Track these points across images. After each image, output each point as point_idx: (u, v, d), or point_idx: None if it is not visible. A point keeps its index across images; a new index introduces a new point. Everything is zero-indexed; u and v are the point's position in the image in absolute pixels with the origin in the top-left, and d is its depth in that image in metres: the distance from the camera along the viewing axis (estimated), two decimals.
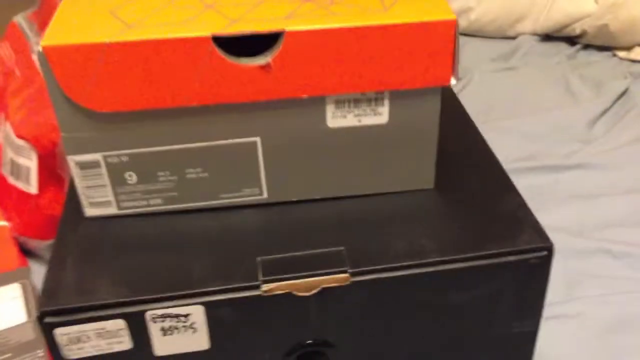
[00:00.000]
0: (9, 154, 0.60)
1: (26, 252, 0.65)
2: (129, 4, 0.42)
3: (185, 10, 0.41)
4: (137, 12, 0.41)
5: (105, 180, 0.44)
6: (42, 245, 0.64)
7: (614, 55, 0.97)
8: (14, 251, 0.62)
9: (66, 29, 0.39)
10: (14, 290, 0.59)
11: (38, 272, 0.63)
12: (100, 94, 0.40)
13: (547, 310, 0.46)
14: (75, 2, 0.42)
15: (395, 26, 0.39)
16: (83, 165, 0.43)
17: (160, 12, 0.41)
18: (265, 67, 0.40)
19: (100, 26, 0.39)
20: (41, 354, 0.53)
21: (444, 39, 0.40)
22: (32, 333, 0.54)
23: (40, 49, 0.38)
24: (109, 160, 0.43)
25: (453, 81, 0.41)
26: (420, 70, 0.41)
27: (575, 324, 0.56)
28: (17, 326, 0.55)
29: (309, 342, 0.44)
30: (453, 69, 0.41)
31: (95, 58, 0.39)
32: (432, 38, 0.39)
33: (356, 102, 0.42)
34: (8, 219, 0.65)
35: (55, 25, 0.40)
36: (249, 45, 0.40)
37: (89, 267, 0.42)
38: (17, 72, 0.63)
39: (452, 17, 0.39)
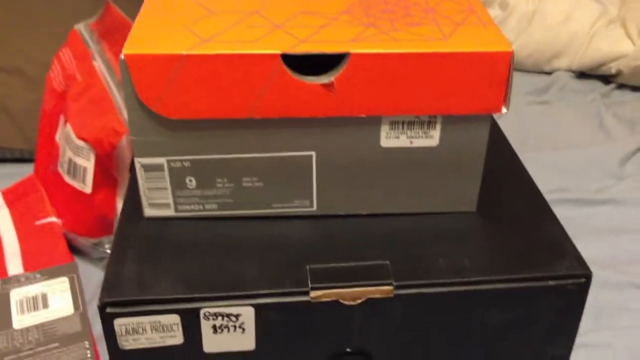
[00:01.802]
0: (68, 153, 0.63)
1: (72, 249, 0.68)
2: (203, 20, 0.45)
3: (256, 29, 0.43)
4: (210, 28, 0.43)
5: (167, 183, 0.47)
6: (90, 242, 0.67)
7: None
8: (64, 246, 0.65)
9: (146, 40, 0.42)
10: (62, 284, 0.61)
11: (83, 268, 0.66)
12: (172, 102, 0.43)
13: (577, 339, 0.47)
14: (152, 15, 0.45)
15: (454, 54, 0.41)
16: (147, 168, 0.46)
17: (232, 30, 0.43)
18: (328, 86, 0.42)
19: (177, 39, 0.42)
20: (87, 346, 0.55)
21: (500, 69, 0.42)
22: (79, 325, 0.57)
23: (122, 56, 0.41)
24: (172, 164, 0.46)
25: (504, 110, 0.43)
26: (474, 97, 0.43)
27: (604, 353, 0.57)
28: (65, 318, 0.58)
29: (348, 350, 0.46)
30: (505, 98, 0.43)
31: (172, 68, 0.41)
32: (488, 67, 0.42)
33: (410, 124, 0.45)
34: (59, 216, 0.68)
35: (135, 35, 0.43)
36: (314, 65, 0.42)
37: (147, 264, 0.45)
38: (79, 77, 0.66)
39: (509, 48, 0.41)
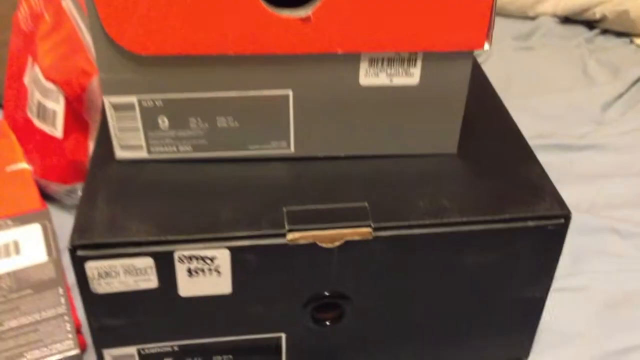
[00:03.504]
0: (37, 96, 0.61)
1: (45, 196, 0.66)
2: None
3: None
4: None
5: (138, 123, 0.45)
6: (62, 189, 0.65)
7: (632, 41, 0.98)
8: (35, 193, 0.63)
9: None
10: (35, 231, 0.60)
11: (56, 216, 0.64)
12: (141, 37, 0.41)
13: (554, 283, 0.47)
14: None
15: None
16: (118, 107, 0.44)
17: None
18: (305, 20, 0.40)
19: None
20: (61, 292, 0.54)
21: (482, 3, 0.40)
22: (52, 272, 0.56)
23: None
24: (144, 103, 0.44)
25: (487, 46, 0.42)
26: (455, 33, 0.42)
27: (580, 297, 0.58)
28: (38, 264, 0.57)
29: (326, 293, 0.45)
30: (487, 34, 0.42)
31: (140, 0, 0.39)
32: (470, 1, 0.40)
33: (389, 61, 0.43)
34: (30, 162, 0.66)
35: None
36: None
37: (119, 207, 0.43)
38: (47, 17, 0.63)
39: None
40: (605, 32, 1.00)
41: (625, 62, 0.91)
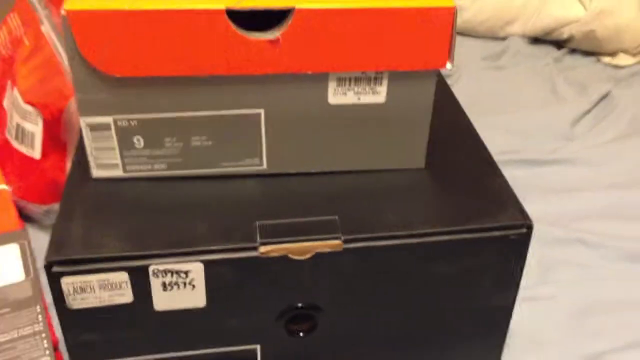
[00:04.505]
0: (16, 118, 0.62)
1: (23, 217, 0.67)
2: None
3: None
4: None
5: (114, 143, 0.46)
6: (41, 209, 0.66)
7: (599, 60, 1.01)
8: (13, 214, 0.64)
9: None
10: (12, 251, 0.60)
11: (34, 236, 0.65)
12: (116, 59, 0.42)
13: (522, 293, 0.49)
14: None
15: (398, 10, 0.42)
16: (94, 127, 0.46)
17: None
18: (274, 42, 0.42)
19: None
20: (38, 310, 0.55)
21: (443, 25, 0.42)
22: (30, 290, 0.56)
23: (63, 12, 0.40)
24: (119, 123, 0.46)
25: (449, 65, 0.44)
26: (419, 53, 0.43)
27: (548, 305, 0.59)
28: (16, 284, 0.57)
29: (299, 305, 0.46)
30: (449, 54, 0.44)
31: (114, 24, 0.41)
32: (432, 23, 0.42)
33: (357, 80, 0.45)
34: (8, 183, 0.66)
35: None
36: (259, 21, 0.42)
37: (95, 223, 0.44)
38: (26, 42, 0.65)
39: (452, 4, 0.42)
40: (573, 51, 1.03)
41: (593, 80, 0.94)
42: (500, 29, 1.05)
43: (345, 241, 0.44)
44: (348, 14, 0.42)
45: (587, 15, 0.99)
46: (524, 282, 0.48)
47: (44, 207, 0.66)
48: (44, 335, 0.53)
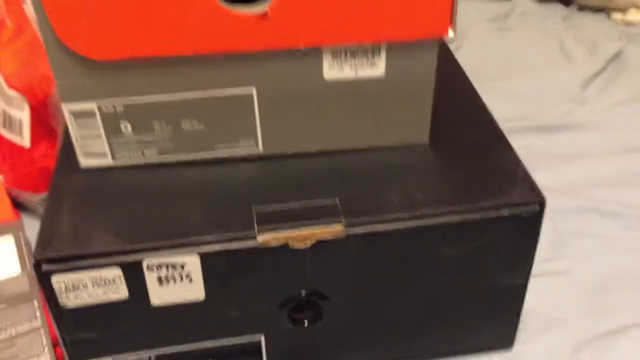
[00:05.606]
0: (1, 105, 0.59)
1: (18, 205, 0.65)
2: None
3: None
4: None
5: (100, 130, 0.44)
6: (35, 198, 0.64)
7: (609, 17, 0.97)
8: (6, 204, 0.62)
9: None
10: (7, 242, 0.58)
11: (30, 225, 0.63)
12: (94, 41, 0.39)
13: (536, 268, 0.47)
14: None
15: None
16: (77, 115, 0.43)
17: None
18: (262, 16, 0.39)
19: None
20: (36, 305, 0.53)
21: None
22: (27, 284, 0.55)
23: None
24: (104, 109, 0.43)
25: (451, 33, 0.41)
26: (417, 21, 0.40)
27: (563, 280, 0.57)
28: (12, 278, 0.55)
29: (303, 293, 0.44)
30: (451, 20, 0.41)
31: (91, 2, 0.38)
32: None
33: (353, 53, 0.42)
34: (0, 172, 0.64)
35: None
36: None
37: (84, 217, 0.42)
38: (8, 23, 0.62)
39: None
40: (582, 8, 0.99)
41: (602, 38, 0.90)
42: None
43: (348, 226, 0.42)
44: None
45: None
46: (537, 256, 0.45)
47: (39, 196, 0.63)
48: (42, 331, 0.51)
